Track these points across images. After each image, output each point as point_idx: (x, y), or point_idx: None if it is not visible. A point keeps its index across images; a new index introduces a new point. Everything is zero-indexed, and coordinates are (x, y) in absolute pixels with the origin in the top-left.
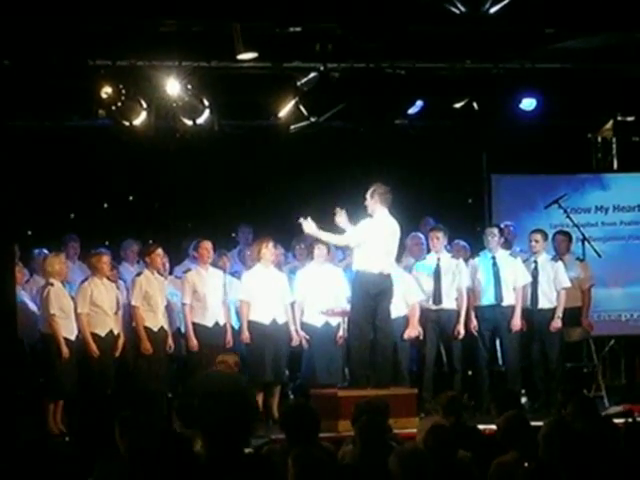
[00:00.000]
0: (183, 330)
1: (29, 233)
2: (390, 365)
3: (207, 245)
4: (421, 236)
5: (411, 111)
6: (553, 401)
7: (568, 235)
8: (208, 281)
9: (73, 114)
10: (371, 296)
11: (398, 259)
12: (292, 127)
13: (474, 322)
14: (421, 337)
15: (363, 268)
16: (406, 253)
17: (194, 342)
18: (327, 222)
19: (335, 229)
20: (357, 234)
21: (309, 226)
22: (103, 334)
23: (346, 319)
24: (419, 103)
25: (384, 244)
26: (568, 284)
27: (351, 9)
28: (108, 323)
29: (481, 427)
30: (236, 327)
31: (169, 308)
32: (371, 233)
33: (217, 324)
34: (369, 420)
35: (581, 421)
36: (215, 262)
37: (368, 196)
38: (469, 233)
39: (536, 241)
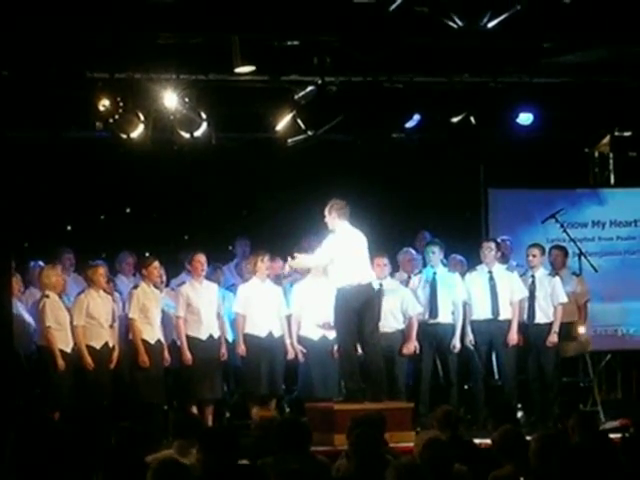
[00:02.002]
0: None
1: (25, 245)
2: (384, 378)
3: (201, 258)
4: (413, 251)
5: (408, 125)
6: (549, 415)
7: (564, 250)
8: (202, 294)
9: (71, 126)
10: (355, 310)
11: (392, 274)
12: (289, 140)
13: (470, 336)
14: (417, 351)
15: (341, 284)
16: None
17: (188, 355)
18: (325, 235)
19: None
20: (325, 252)
21: (294, 262)
22: (98, 346)
23: None
24: (416, 117)
25: (354, 256)
26: (565, 299)
27: (349, 23)
28: (103, 335)
29: (477, 441)
30: (230, 340)
31: (165, 321)
32: (338, 248)
33: (211, 337)
34: (363, 433)
35: (580, 435)
36: (209, 275)
37: (326, 213)
38: (466, 247)
39: (534, 256)
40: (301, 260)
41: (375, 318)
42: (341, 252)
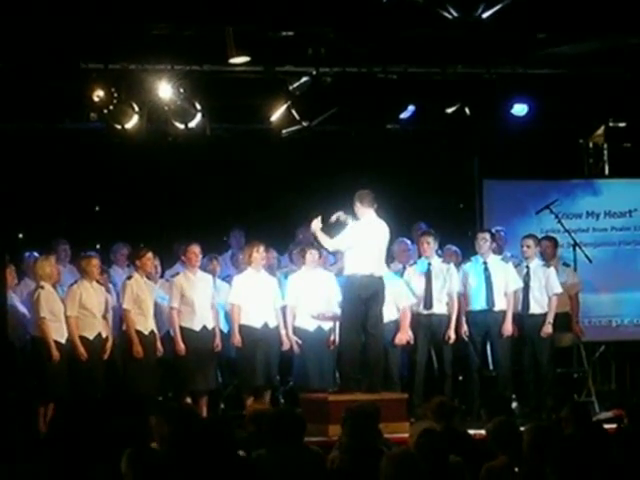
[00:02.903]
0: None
1: (20, 236)
2: (381, 370)
3: (195, 249)
4: (407, 242)
5: (403, 116)
6: (544, 406)
7: (554, 240)
8: (196, 285)
9: (65, 117)
10: (362, 300)
11: (387, 265)
12: (284, 131)
13: (465, 327)
14: (412, 342)
15: (354, 272)
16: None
17: (182, 346)
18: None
19: (329, 232)
20: (346, 238)
21: (316, 224)
22: (91, 337)
23: (338, 323)
24: (411, 108)
25: (373, 246)
26: (560, 290)
27: (344, 13)
28: (96, 326)
29: (472, 432)
30: (225, 331)
31: (158, 311)
32: (359, 236)
33: (205, 328)
34: (357, 424)
35: (574, 426)
36: (205, 266)
37: (354, 203)
38: (460, 238)
39: (528, 246)
40: (321, 236)
41: (379, 310)
42: (361, 240)
